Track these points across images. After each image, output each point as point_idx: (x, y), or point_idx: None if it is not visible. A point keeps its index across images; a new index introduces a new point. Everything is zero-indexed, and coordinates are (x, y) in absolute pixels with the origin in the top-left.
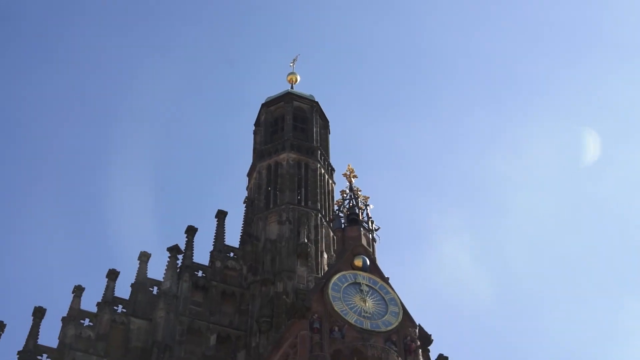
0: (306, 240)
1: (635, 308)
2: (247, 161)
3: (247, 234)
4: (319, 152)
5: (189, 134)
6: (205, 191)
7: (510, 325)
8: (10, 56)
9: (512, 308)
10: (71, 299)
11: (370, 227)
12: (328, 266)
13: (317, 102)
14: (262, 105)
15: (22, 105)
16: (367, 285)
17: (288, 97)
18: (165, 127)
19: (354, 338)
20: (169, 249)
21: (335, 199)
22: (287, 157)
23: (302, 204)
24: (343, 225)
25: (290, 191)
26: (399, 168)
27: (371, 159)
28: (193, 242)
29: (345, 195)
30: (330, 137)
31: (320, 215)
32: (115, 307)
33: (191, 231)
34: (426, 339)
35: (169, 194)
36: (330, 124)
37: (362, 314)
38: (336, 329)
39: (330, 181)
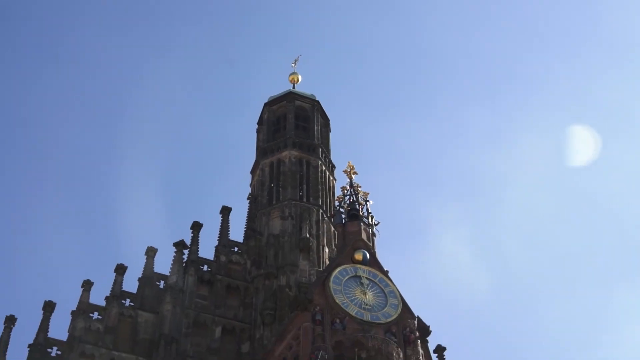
0: (308, 235)
1: (625, 300)
2: (251, 159)
3: (250, 229)
4: (320, 149)
5: (194, 132)
6: (210, 188)
7: (506, 316)
8: (18, 58)
9: (508, 300)
10: (80, 293)
11: (370, 222)
12: (329, 260)
13: (318, 101)
14: (265, 104)
15: (32, 107)
16: (367, 278)
17: (290, 97)
18: (171, 126)
19: (354, 330)
20: (175, 244)
21: (336, 195)
22: (289, 154)
23: (304, 200)
24: (344, 221)
25: (292, 188)
26: (398, 165)
27: (371, 156)
28: (198, 237)
29: (345, 191)
30: (331, 135)
31: (321, 211)
32: (123, 301)
33: (196, 227)
34: (425, 330)
35: (175, 191)
36: (330, 122)
37: (363, 306)
38: (337, 320)
39: (331, 178)
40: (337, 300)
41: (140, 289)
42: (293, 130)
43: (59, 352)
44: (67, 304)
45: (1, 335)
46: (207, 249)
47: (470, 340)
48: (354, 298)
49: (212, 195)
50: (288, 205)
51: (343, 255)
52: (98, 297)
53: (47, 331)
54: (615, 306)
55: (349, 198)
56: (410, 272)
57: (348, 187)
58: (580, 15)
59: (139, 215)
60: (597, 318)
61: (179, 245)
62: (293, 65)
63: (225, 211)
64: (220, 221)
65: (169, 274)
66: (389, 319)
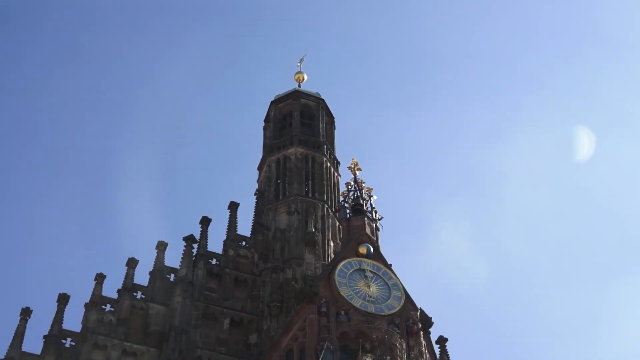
0: (313, 230)
1: (620, 292)
2: (258, 155)
3: (258, 224)
4: (325, 146)
5: (202, 130)
6: (218, 184)
7: (506, 308)
8: (21, 57)
9: (507, 292)
10: (93, 286)
11: (374, 217)
12: (334, 254)
13: (323, 100)
14: (271, 102)
15: (44, 102)
16: (371, 271)
17: (296, 95)
18: (180, 124)
19: (359, 321)
20: (185, 239)
21: (340, 191)
22: (295, 151)
23: (310, 195)
24: (348, 215)
25: (298, 183)
26: (401, 161)
27: (374, 152)
28: (207, 232)
29: (350, 187)
30: (336, 132)
31: (326, 206)
32: (135, 294)
33: (205, 222)
34: (427, 322)
35: (184, 187)
36: (335, 120)
37: (367, 298)
38: (342, 312)
39: (336, 174)
40: (342, 293)
41: (151, 282)
42: (299, 127)
43: (72, 343)
44: (80, 296)
45: (17, 327)
46: (215, 243)
47: (471, 331)
48: (358, 290)
49: (220, 191)
50: (294, 200)
51: (348, 249)
52: (110, 289)
53: (62, 323)
54: (611, 299)
55: (353, 193)
56: (413, 266)
57: (352, 183)
58: (578, 15)
59: (150, 211)
60: (595, 310)
61: (189, 239)
62: (299, 64)
63: (233, 206)
64: (229, 216)
65: (179, 267)
66: (393, 311)
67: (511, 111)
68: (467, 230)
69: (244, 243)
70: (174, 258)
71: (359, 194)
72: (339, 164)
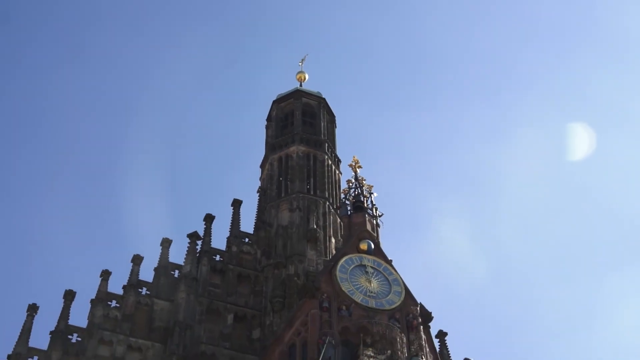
0: (315, 226)
1: (615, 287)
2: (260, 154)
3: (260, 221)
4: (327, 144)
5: (206, 129)
6: (221, 182)
7: (504, 302)
8: (24, 57)
9: (505, 287)
10: (99, 282)
11: (375, 214)
12: (336, 250)
13: (324, 99)
14: (273, 101)
15: (50, 102)
16: (372, 267)
17: (297, 94)
18: (183, 123)
19: (360, 316)
20: (189, 235)
21: (341, 188)
22: (296, 149)
23: (311, 192)
24: (349, 212)
25: (300, 181)
26: (401, 159)
27: (375, 150)
28: (211, 228)
29: (351, 184)
30: (337, 130)
31: (328, 203)
32: (140, 290)
33: (209, 219)
34: (427, 317)
35: (188, 185)
36: (336, 118)
37: (368, 293)
38: (344, 307)
39: (337, 171)
40: (343, 288)
41: (156, 278)
42: (300, 126)
43: (79, 339)
44: (86, 293)
45: (24, 323)
46: (219, 240)
47: (470, 326)
48: (359, 286)
49: (223, 189)
50: (296, 197)
51: (349, 245)
52: (116, 286)
53: (68, 319)
54: (606, 292)
55: (354, 191)
56: (413, 261)
57: (353, 181)
58: (577, 14)
59: (154, 208)
60: (591, 305)
61: (193, 236)
62: (300, 64)
63: (236, 204)
64: (232, 213)
65: (183, 264)
66: (393, 306)
67: (510, 110)
68: (466, 227)
69: (247, 240)
70: (178, 255)
71: (359, 191)
72: (340, 161)
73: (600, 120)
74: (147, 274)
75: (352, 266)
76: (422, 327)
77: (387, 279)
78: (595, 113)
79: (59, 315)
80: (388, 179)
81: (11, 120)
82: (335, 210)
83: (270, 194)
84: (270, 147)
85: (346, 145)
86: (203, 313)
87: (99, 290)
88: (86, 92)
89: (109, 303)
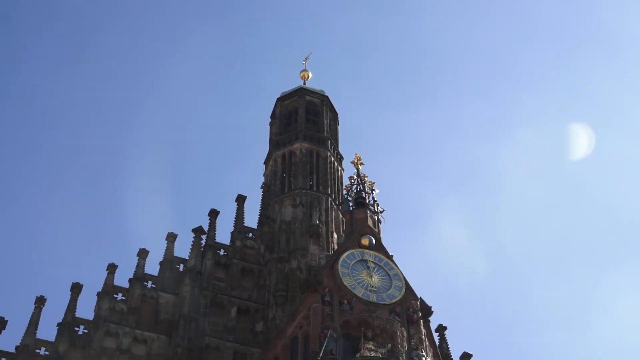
0: (318, 222)
1: (612, 282)
2: (264, 150)
3: (264, 216)
4: (329, 141)
5: (211, 126)
6: (226, 178)
7: (502, 296)
8: (26, 57)
9: (504, 282)
10: (105, 275)
11: (376, 210)
12: (338, 245)
13: (327, 97)
14: (277, 99)
15: (55, 99)
16: (373, 262)
17: (301, 92)
18: (189, 121)
19: (361, 310)
20: (194, 230)
21: (344, 184)
22: (300, 146)
23: (314, 189)
24: (351, 208)
25: (303, 177)
26: (402, 156)
27: (377, 147)
28: (215, 223)
29: (353, 180)
30: (339, 128)
31: (330, 199)
32: (145, 283)
33: (214, 214)
34: (427, 311)
35: (193, 181)
36: (339, 116)
37: (369, 288)
38: (345, 301)
39: (340, 168)
40: (345, 283)
41: (161, 272)
42: (304, 123)
43: (85, 331)
44: (93, 285)
45: (32, 315)
46: (223, 235)
47: (469, 320)
48: (360, 280)
49: (228, 185)
50: (299, 193)
51: (350, 240)
52: (122, 279)
53: (75, 311)
54: (603, 286)
55: (356, 187)
56: (413, 257)
57: (355, 177)
58: (576, 13)
59: (160, 204)
60: (588, 300)
61: (198, 231)
62: (304, 62)
63: (241, 199)
64: (236, 209)
65: (188, 258)
66: (394, 300)
67: (510, 109)
68: (466, 222)
69: (250, 234)
70: (183, 249)
71: (361, 188)
72: (343, 158)
73: (600, 120)
74: (152, 267)
75: (354, 261)
76: (422, 321)
77: (388, 274)
78: (595, 113)
79: (66, 307)
80: (390, 176)
81: (20, 117)
82: (338, 206)
83: (273, 189)
84: (274, 143)
85: (348, 142)
86: (207, 306)
87: (105, 284)
88: (93, 90)
89: (115, 296)
